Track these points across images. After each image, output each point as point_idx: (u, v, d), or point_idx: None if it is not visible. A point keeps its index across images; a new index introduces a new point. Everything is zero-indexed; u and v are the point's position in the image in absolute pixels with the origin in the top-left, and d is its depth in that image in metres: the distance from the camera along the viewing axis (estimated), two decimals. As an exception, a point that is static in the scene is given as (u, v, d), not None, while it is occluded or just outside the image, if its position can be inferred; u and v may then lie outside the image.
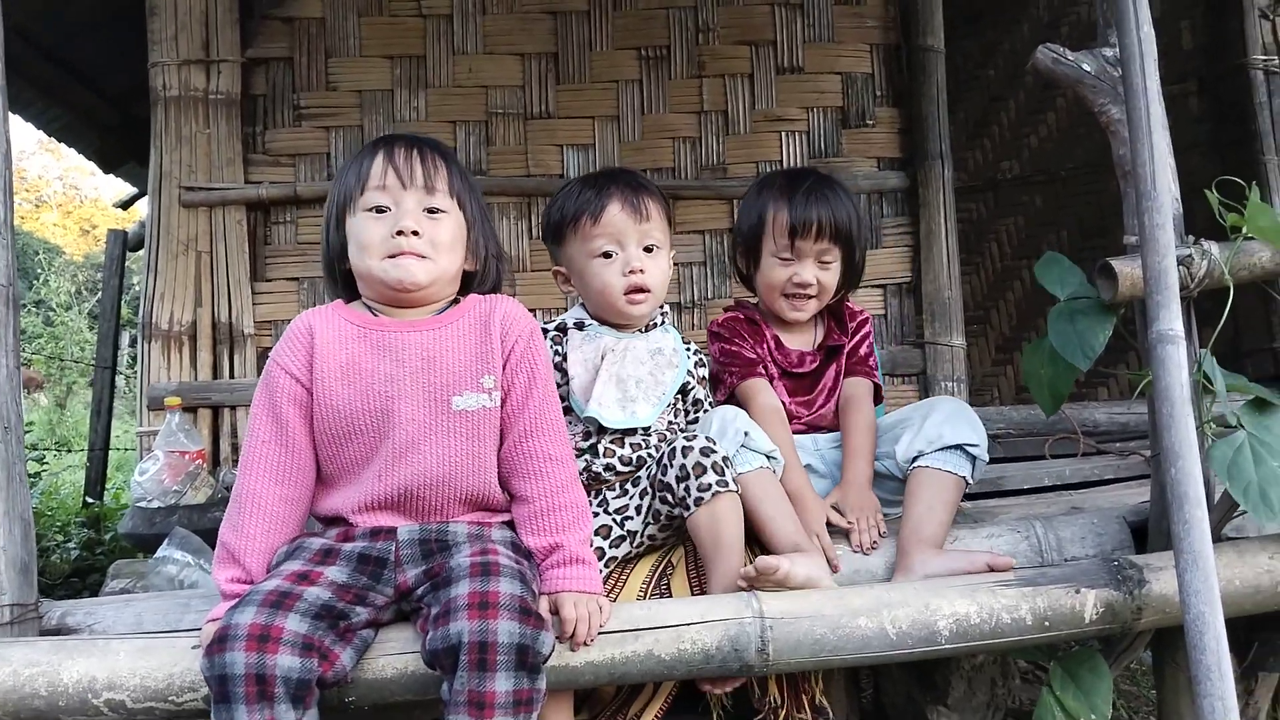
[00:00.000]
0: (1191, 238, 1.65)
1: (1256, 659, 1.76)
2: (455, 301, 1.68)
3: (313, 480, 1.58)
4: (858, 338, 2.16)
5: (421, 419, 1.54)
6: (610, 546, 1.76)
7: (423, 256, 1.58)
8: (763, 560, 1.57)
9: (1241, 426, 1.51)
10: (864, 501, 1.88)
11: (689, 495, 1.65)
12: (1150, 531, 1.75)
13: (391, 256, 1.57)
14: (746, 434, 1.79)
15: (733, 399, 2.05)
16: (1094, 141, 4.24)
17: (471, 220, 1.68)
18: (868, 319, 2.22)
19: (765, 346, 2.11)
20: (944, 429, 1.85)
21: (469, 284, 1.71)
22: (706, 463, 1.65)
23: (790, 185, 2.08)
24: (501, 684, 1.29)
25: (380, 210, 1.59)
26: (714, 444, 1.69)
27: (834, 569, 1.75)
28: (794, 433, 2.03)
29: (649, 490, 1.76)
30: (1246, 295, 1.62)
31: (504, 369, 1.59)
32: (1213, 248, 1.63)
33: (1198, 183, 1.67)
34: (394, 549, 1.50)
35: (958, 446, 1.84)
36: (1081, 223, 4.33)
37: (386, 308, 1.63)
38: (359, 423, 1.54)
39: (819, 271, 2.06)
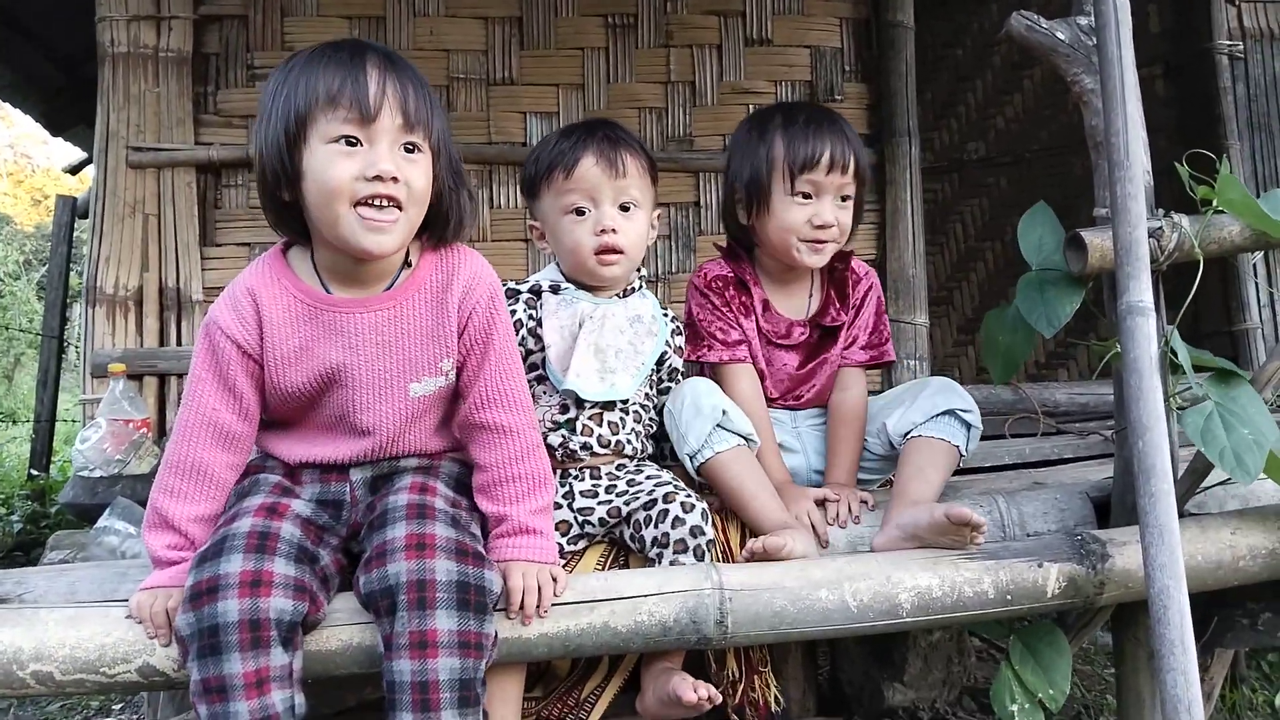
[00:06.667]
0: (1162, 210, 1.64)
1: (1214, 635, 1.77)
2: (408, 264, 1.52)
3: (254, 440, 1.54)
4: (864, 312, 2.04)
5: (377, 405, 1.50)
6: (569, 543, 1.71)
7: (400, 208, 1.39)
8: (770, 540, 1.53)
9: (1209, 398, 1.50)
10: (848, 490, 1.86)
11: (657, 557, 1.64)
12: (1113, 507, 1.74)
13: (364, 203, 1.37)
14: (725, 413, 1.75)
15: (705, 368, 1.99)
16: (1059, 124, 4.24)
17: (437, 148, 1.46)
18: (874, 284, 2.07)
19: (752, 313, 1.99)
20: (936, 399, 1.84)
21: (426, 224, 1.50)
22: (690, 544, 1.61)
23: (796, 116, 1.92)
24: (443, 622, 1.27)
25: (350, 143, 1.37)
26: (704, 527, 1.63)
27: (824, 544, 1.73)
28: (770, 407, 1.98)
29: (619, 512, 1.71)
30: (1206, 278, 1.60)
31: (460, 339, 1.52)
32: (1183, 220, 1.63)
33: (1163, 166, 1.66)
34: (349, 489, 1.51)
35: (950, 412, 1.82)
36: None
37: (337, 277, 1.48)
38: (313, 402, 1.51)
39: (838, 211, 1.91)
